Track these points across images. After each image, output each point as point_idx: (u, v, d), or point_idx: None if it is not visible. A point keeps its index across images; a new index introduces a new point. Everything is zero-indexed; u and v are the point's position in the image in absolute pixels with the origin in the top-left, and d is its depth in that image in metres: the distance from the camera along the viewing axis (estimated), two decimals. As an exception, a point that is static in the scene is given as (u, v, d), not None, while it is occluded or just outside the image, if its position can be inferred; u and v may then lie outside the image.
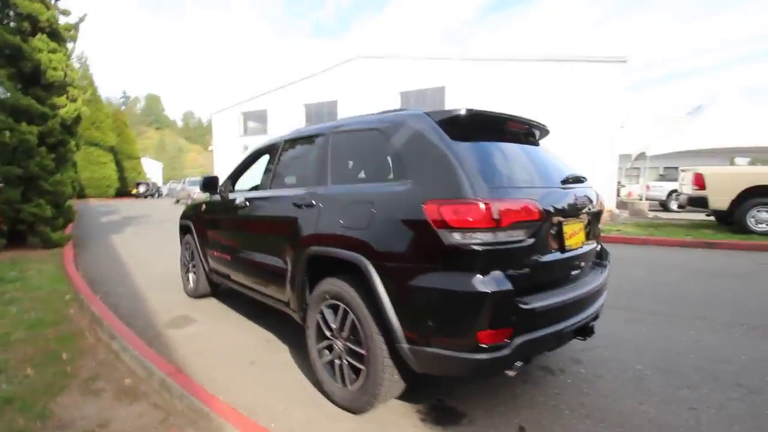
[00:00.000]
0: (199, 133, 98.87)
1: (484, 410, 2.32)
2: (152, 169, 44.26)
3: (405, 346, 1.95)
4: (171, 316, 4.00)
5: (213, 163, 27.07)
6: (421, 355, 1.91)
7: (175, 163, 68.94)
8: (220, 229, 3.81)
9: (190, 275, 4.57)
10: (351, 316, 2.21)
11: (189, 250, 4.57)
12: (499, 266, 1.81)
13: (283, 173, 3.17)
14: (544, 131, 2.68)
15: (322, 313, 2.43)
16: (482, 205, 1.78)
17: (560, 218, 2.11)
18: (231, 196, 3.69)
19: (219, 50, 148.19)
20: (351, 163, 2.55)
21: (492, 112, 2.22)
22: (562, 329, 2.01)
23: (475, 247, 1.77)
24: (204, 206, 4.18)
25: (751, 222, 7.38)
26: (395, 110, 2.47)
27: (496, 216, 1.78)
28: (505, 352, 1.80)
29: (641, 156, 14.11)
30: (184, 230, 4.74)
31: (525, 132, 2.51)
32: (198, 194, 21.42)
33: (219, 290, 4.58)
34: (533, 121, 2.50)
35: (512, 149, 2.30)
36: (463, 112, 2.10)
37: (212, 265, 4.04)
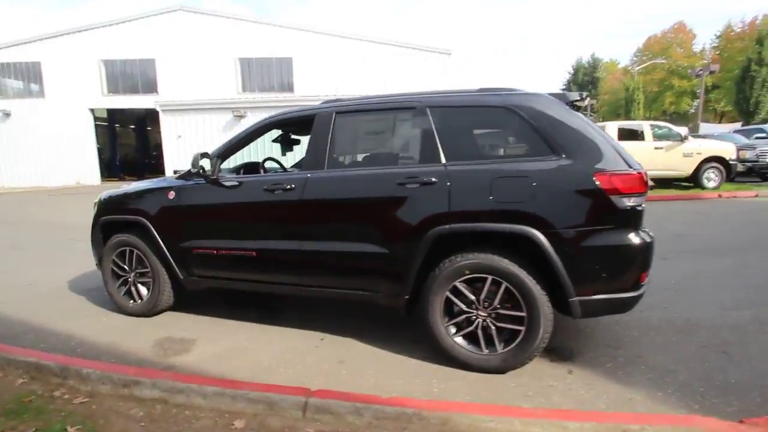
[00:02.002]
0: None
1: (574, 341, 2.86)
2: None
3: (576, 299, 2.26)
4: (148, 343, 3.01)
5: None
6: (588, 303, 2.27)
7: None
8: (231, 221, 3.04)
9: (138, 289, 3.45)
10: (504, 284, 2.34)
11: (130, 257, 3.41)
12: (642, 220, 2.32)
13: (347, 151, 2.81)
14: None
15: (454, 290, 2.45)
16: (637, 174, 2.22)
17: None
18: (244, 179, 2.99)
19: None
20: (467, 139, 2.54)
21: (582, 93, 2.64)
22: None
23: (636, 207, 2.22)
24: (174, 194, 3.19)
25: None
26: (503, 89, 2.58)
27: (645, 181, 2.25)
28: (645, 287, 2.34)
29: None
30: (111, 230, 3.49)
31: None
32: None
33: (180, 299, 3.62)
34: None
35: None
36: (577, 95, 2.46)
37: (199, 269, 3.20)
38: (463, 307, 2.45)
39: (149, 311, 3.45)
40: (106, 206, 3.56)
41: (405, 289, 2.59)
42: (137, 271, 3.45)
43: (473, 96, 2.58)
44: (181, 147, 15.47)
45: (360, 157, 2.91)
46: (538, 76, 72.80)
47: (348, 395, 2.06)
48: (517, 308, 2.35)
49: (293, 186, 2.78)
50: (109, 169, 21.04)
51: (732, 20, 38.41)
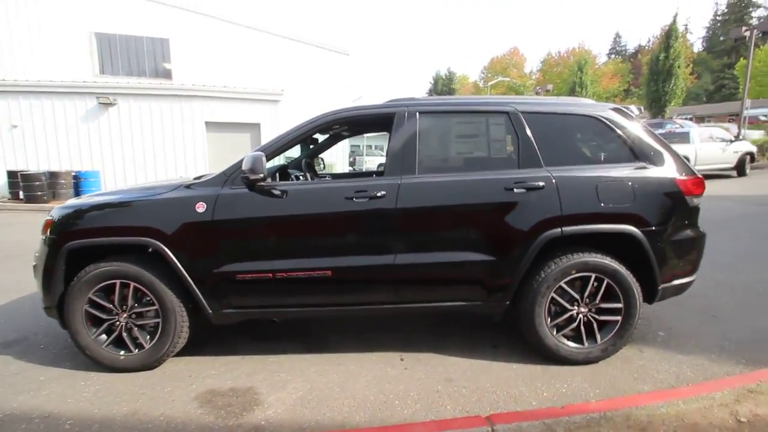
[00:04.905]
0: None
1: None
2: None
3: (661, 287, 2.59)
4: (190, 403, 2.32)
5: None
6: (667, 289, 2.63)
7: None
8: (296, 236, 2.50)
9: (134, 335, 2.58)
10: (606, 280, 2.53)
11: (121, 293, 2.54)
12: None
13: (435, 154, 2.60)
14: None
15: (560, 290, 2.54)
16: (701, 178, 2.67)
17: None
18: (314, 186, 2.51)
19: None
20: (562, 144, 2.63)
21: None
22: None
23: (698, 205, 2.66)
24: (205, 206, 2.47)
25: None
26: (581, 100, 2.77)
27: (703, 183, 2.71)
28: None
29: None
30: (82, 258, 2.52)
31: None
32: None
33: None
34: None
35: None
36: (637, 110, 2.83)
37: (241, 299, 2.58)
38: (567, 305, 2.56)
39: (153, 362, 2.61)
40: (76, 225, 2.55)
41: (507, 295, 2.57)
42: (134, 311, 2.57)
43: (562, 104, 2.70)
44: (18, 141, 11.80)
45: (449, 161, 2.74)
46: (406, 85, 78.31)
47: (527, 414, 1.96)
48: (613, 300, 2.57)
49: (384, 193, 2.46)
50: None
51: (551, 50, 48.24)
